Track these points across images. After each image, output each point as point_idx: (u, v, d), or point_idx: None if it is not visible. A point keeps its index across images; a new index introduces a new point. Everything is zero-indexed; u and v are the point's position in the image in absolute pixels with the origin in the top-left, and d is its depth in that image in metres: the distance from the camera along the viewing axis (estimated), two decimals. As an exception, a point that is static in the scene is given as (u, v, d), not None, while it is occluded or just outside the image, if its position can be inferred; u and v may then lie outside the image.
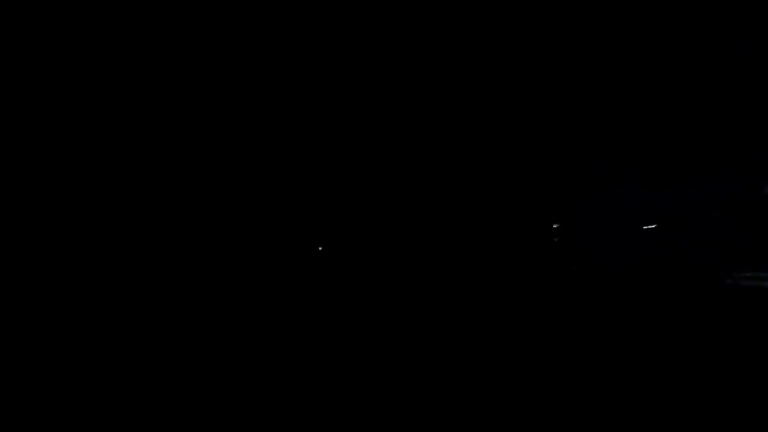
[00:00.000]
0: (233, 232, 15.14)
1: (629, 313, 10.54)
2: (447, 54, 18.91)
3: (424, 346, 7.74)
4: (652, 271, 15.71)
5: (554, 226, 18.96)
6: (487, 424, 4.01)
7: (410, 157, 19.77)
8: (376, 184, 18.98)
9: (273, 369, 5.99)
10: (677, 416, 3.96)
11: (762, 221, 15.50)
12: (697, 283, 12.63)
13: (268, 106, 17.36)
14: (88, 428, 3.93)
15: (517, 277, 19.08)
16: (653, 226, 17.35)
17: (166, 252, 12.72)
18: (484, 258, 19.47)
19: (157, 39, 15.19)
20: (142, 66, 14.94)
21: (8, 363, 5.95)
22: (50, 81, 13.88)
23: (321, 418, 4.03)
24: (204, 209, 14.60)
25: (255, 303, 14.33)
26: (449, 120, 20.04)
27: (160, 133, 14.55)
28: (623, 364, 6.03)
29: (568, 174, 20.52)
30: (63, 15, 13.97)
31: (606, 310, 11.64)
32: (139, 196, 13.33)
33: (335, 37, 17.32)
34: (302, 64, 17.22)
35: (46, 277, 10.56)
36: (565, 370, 5.90)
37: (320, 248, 17.67)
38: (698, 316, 8.19)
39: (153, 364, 6.19)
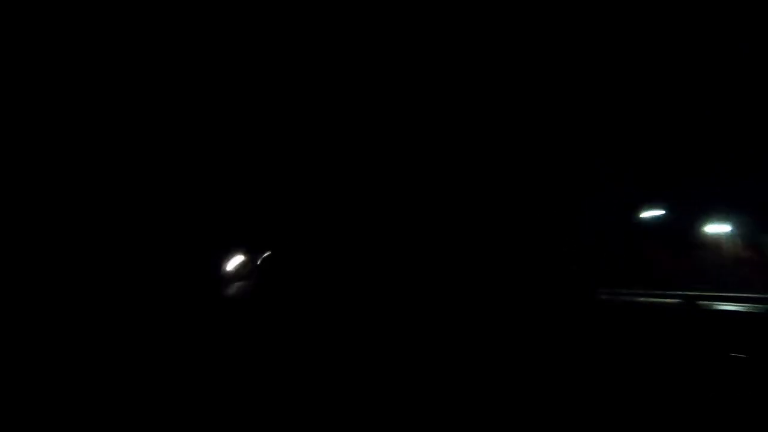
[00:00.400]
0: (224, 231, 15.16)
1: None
2: (444, 54, 18.92)
3: (424, 347, 7.85)
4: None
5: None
6: (486, 423, 4.12)
7: (407, 157, 19.77)
8: (371, 182, 18.96)
9: (267, 369, 6.06)
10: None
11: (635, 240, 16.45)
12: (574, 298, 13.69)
13: (262, 106, 17.33)
14: (88, 428, 4.04)
15: (517, 278, 19.22)
16: None
17: (161, 252, 12.77)
18: (482, 258, 19.52)
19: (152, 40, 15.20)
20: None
21: (8, 363, 6.00)
22: (50, 81, 13.89)
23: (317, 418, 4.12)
24: (197, 211, 14.63)
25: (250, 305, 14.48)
26: (446, 121, 20.05)
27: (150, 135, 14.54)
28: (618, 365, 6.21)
29: (568, 174, 20.55)
30: (63, 15, 13.96)
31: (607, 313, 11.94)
32: (134, 197, 13.35)
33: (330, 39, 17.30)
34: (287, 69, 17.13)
35: (45, 277, 10.58)
36: (563, 369, 6.06)
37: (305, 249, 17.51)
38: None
39: (150, 365, 6.21)
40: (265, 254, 16.50)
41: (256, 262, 16.25)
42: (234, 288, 14.92)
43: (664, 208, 14.46)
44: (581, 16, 17.35)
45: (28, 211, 12.10)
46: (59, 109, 13.65)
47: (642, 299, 11.76)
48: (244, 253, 15.94)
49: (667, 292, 11.48)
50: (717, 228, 11.97)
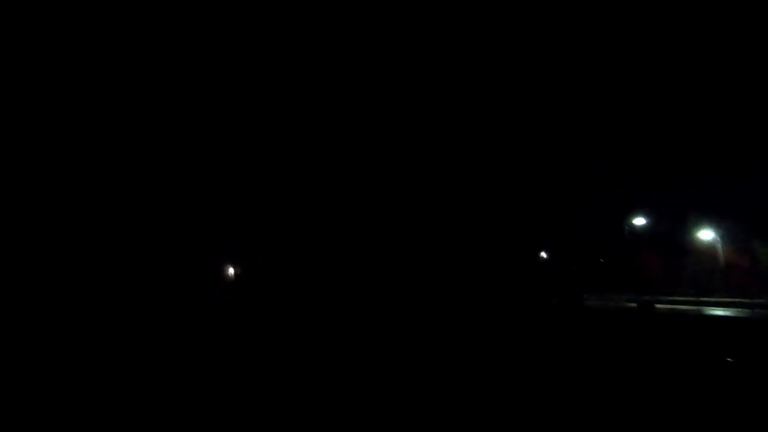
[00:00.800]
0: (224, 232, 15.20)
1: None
2: (445, 55, 18.91)
3: (419, 346, 7.97)
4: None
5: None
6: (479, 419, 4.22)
7: (404, 158, 19.75)
8: (367, 183, 18.96)
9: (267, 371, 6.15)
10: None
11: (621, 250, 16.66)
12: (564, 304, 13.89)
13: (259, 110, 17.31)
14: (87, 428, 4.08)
15: (517, 279, 19.17)
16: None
17: (156, 256, 12.80)
18: (482, 258, 19.53)
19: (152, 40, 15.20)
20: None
21: (8, 363, 6.13)
22: (50, 81, 13.92)
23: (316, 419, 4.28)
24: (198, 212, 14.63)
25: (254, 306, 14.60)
26: (447, 121, 20.00)
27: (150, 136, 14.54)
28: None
29: (568, 174, 20.51)
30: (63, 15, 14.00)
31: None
32: (134, 197, 13.35)
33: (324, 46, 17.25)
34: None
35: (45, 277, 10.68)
36: (563, 369, 6.17)
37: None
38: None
39: (150, 366, 6.34)
40: (261, 258, 16.65)
41: (252, 265, 16.39)
42: (229, 291, 15.08)
43: (660, 212, 14.53)
44: (580, 21, 17.24)
45: (25, 212, 12.22)
46: (57, 111, 13.79)
47: (634, 304, 11.90)
48: (240, 258, 16.12)
49: (661, 298, 11.55)
50: (712, 233, 11.94)
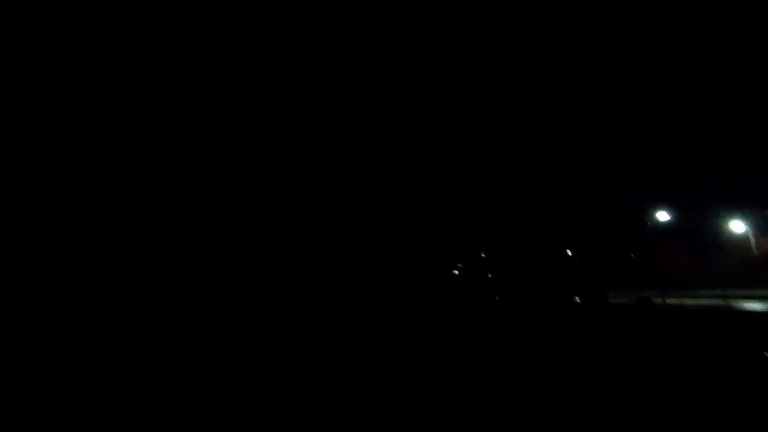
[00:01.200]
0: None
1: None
2: (445, 55, 18.90)
3: (421, 342, 7.90)
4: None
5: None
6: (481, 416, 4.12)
7: (407, 159, 19.67)
8: (368, 184, 18.86)
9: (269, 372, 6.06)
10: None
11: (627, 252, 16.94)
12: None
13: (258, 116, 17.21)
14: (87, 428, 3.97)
15: (519, 278, 19.21)
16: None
17: (158, 254, 12.71)
18: (506, 256, 19.50)
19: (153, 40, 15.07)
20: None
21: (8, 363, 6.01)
22: (50, 81, 13.75)
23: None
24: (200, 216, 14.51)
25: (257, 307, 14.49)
26: (449, 121, 19.94)
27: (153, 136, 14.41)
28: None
29: (575, 175, 20.51)
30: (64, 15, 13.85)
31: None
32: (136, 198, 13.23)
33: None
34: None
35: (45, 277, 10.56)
36: (564, 364, 6.07)
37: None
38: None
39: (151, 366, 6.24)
40: (261, 258, 16.48)
41: (252, 265, 16.23)
42: (229, 291, 14.90)
43: (669, 209, 14.52)
44: (582, 18, 17.32)
45: (25, 210, 12.00)
46: (60, 111, 13.57)
47: (660, 300, 11.78)
48: (240, 257, 15.91)
49: (686, 292, 11.44)
50: (741, 226, 11.87)
